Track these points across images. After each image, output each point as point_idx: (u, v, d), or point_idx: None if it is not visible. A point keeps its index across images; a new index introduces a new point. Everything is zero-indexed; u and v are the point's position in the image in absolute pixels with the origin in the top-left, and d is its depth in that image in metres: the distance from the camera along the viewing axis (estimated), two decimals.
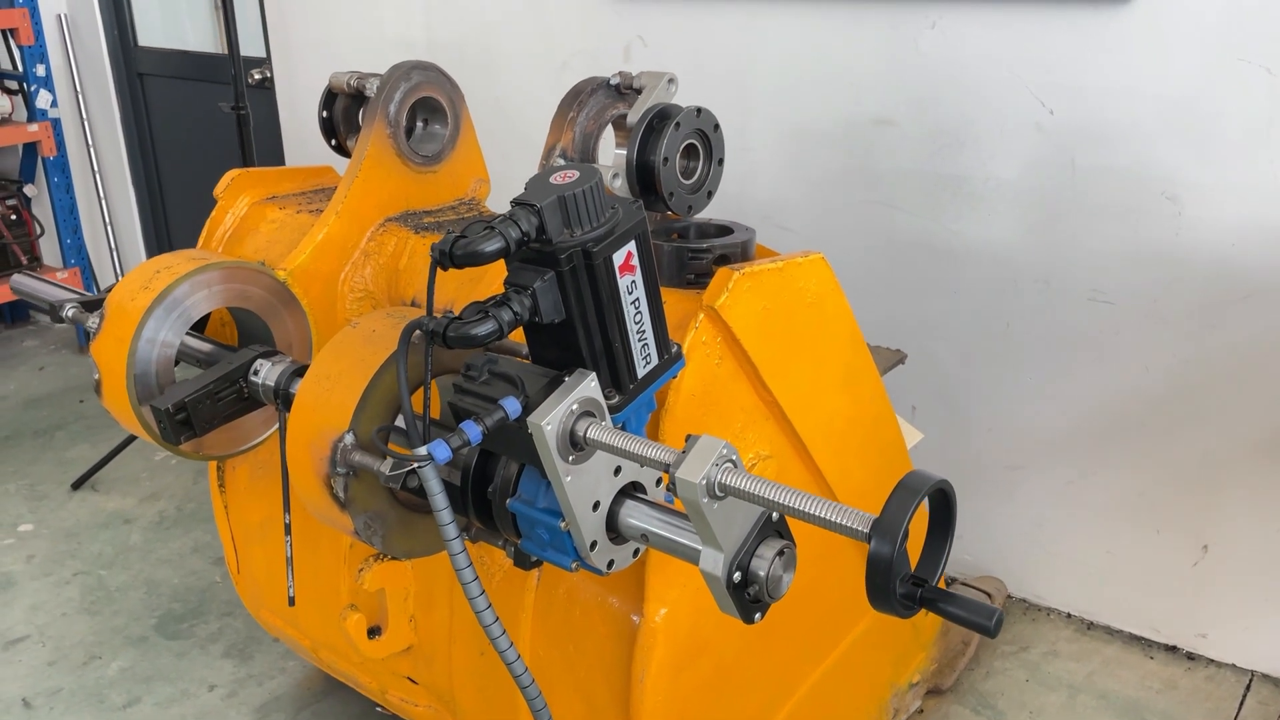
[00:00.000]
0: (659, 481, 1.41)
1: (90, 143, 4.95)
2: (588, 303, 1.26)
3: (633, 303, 1.29)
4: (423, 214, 2.13)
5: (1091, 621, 2.86)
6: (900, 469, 1.41)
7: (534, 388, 1.26)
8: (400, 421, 1.50)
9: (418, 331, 1.37)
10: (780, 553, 1.23)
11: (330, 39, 3.94)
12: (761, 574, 1.21)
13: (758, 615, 1.25)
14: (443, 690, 2.03)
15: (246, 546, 2.35)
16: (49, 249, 4.98)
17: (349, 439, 1.44)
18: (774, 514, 1.25)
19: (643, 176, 1.75)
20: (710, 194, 1.80)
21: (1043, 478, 2.82)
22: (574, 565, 1.36)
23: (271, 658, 2.78)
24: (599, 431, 1.24)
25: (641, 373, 1.34)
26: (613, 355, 1.30)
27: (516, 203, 1.22)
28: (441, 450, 1.19)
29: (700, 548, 1.26)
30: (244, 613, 2.95)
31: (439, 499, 1.29)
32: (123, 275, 2.12)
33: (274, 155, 4.19)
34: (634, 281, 1.29)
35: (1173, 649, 2.75)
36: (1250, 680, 2.62)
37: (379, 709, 2.58)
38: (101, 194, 5.02)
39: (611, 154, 1.87)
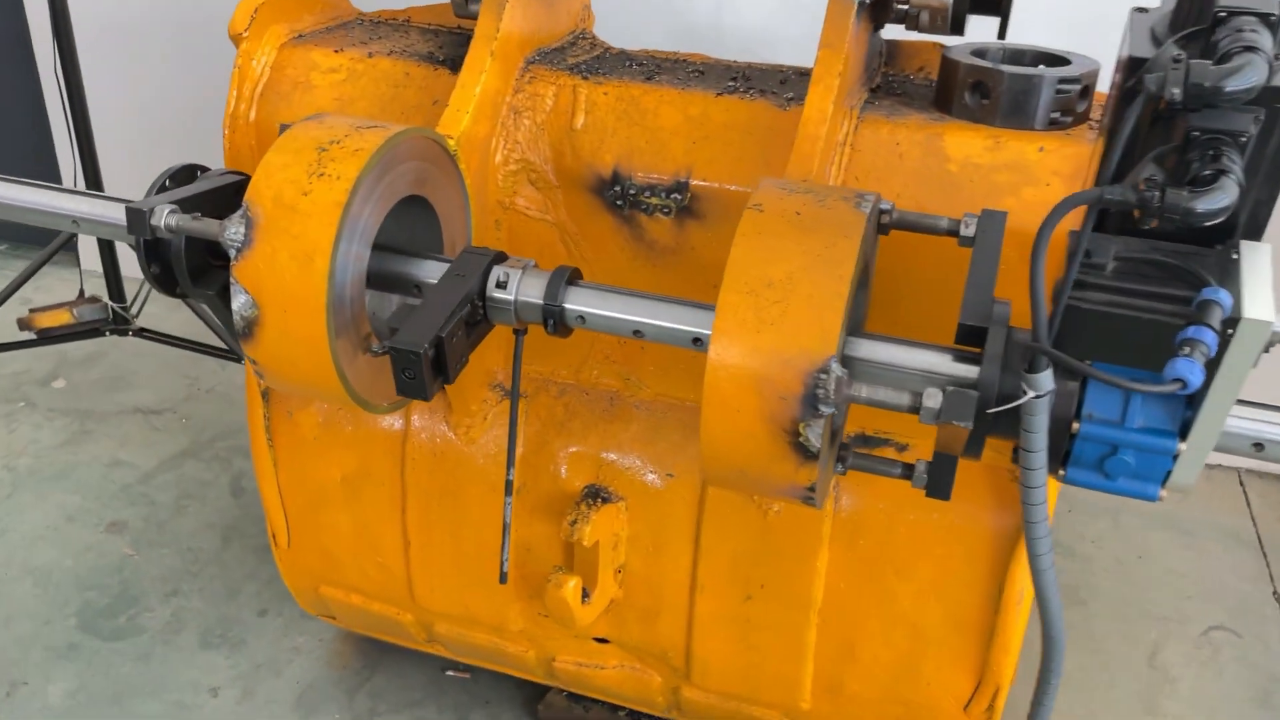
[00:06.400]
0: None
1: None
2: (1277, 154, 0.94)
3: None
4: (556, 52, 1.60)
5: None
6: None
7: (1209, 272, 0.94)
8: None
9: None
10: None
11: None
12: None
13: None
14: (665, 645, 1.66)
15: (312, 511, 1.77)
16: None
17: (837, 369, 1.03)
18: None
19: None
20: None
21: None
22: (1162, 494, 1.07)
23: (267, 639, 2.20)
24: None
25: None
26: (1256, 226, 1.00)
27: (1235, 12, 0.87)
28: (1196, 374, 0.86)
29: None
30: (195, 592, 2.31)
31: (1039, 438, 0.97)
32: None
33: None
34: None
35: None
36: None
37: (450, 672, 2.13)
38: None
39: None
